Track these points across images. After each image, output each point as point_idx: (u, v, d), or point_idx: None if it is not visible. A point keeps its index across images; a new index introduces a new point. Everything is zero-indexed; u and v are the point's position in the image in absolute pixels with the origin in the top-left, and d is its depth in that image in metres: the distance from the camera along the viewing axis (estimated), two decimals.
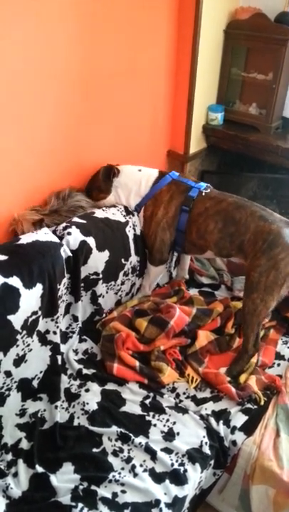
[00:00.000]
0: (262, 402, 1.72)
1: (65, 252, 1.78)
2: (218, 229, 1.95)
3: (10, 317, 1.54)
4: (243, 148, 2.67)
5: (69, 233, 1.81)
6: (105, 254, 1.93)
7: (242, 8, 2.51)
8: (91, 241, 1.87)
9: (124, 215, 2.07)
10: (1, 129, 1.71)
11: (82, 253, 1.83)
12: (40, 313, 1.67)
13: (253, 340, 1.85)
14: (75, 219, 1.90)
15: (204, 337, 1.93)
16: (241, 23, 2.50)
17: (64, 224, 1.86)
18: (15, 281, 1.57)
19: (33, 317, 1.64)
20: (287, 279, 1.80)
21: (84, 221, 1.91)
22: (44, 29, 1.71)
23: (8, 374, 1.61)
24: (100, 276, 1.94)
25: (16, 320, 1.57)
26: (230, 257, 2.03)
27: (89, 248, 1.86)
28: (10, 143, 1.77)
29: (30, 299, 1.61)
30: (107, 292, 2.02)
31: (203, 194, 2.00)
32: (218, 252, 2.02)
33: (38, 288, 1.64)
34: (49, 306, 1.71)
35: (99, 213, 2.00)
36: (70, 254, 1.80)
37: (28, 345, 1.66)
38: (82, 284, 1.90)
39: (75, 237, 1.82)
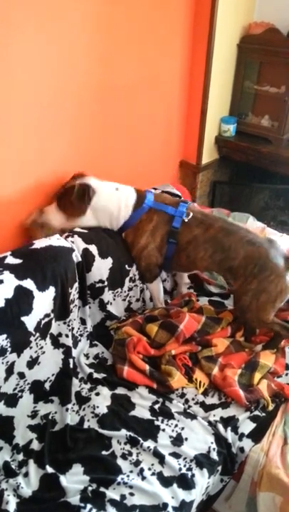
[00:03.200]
0: (270, 407, 1.73)
1: (76, 257, 1.82)
2: (208, 255, 1.98)
3: (24, 318, 1.59)
4: (254, 159, 2.71)
5: (72, 242, 1.86)
6: (108, 261, 1.96)
7: (255, 23, 2.57)
8: (93, 248, 1.91)
9: None
10: (20, 139, 1.77)
11: (85, 260, 1.88)
12: (52, 315, 1.71)
13: (278, 327, 1.93)
14: (77, 229, 1.95)
15: (222, 345, 1.95)
16: (254, 37, 2.55)
17: (66, 233, 1.90)
18: (29, 284, 1.62)
19: (46, 319, 1.68)
20: (279, 296, 1.88)
21: (85, 230, 1.95)
22: (64, 43, 1.78)
23: (21, 375, 1.65)
24: (106, 283, 1.97)
25: (30, 321, 1.61)
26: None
27: (92, 255, 1.90)
28: (30, 154, 1.83)
29: (43, 301, 1.65)
30: (114, 299, 2.05)
31: (186, 221, 1.97)
32: (206, 271, 2.07)
33: (51, 291, 1.68)
34: (61, 309, 1.75)
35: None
36: (81, 259, 1.85)
37: (41, 347, 1.70)
38: (89, 292, 1.94)
39: (78, 245, 1.87)
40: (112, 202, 1.97)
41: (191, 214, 1.98)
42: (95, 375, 1.83)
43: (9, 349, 1.57)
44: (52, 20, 1.69)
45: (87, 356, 1.93)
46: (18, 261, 1.65)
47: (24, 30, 1.61)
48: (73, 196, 1.88)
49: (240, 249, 1.91)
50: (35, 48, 1.68)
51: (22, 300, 1.59)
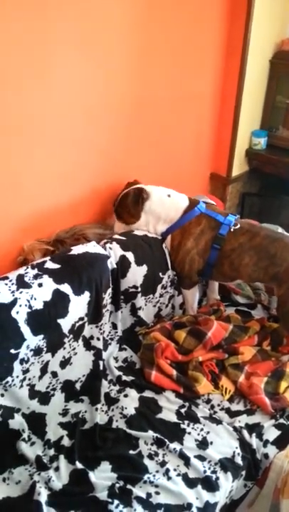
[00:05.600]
0: None
1: (111, 264, 1.90)
2: (253, 263, 2.02)
3: (60, 321, 1.68)
4: (285, 172, 2.75)
5: (110, 248, 1.94)
6: (143, 269, 2.03)
7: (288, 40, 2.62)
8: (130, 256, 1.98)
9: None
10: (59, 152, 1.88)
11: (121, 267, 1.95)
12: (86, 319, 1.79)
13: None
14: (116, 236, 2.03)
15: (248, 353, 1.99)
16: (287, 53, 2.60)
17: (105, 240, 1.99)
18: (66, 288, 1.71)
19: (80, 322, 1.77)
20: None
21: (124, 238, 2.03)
22: (105, 63, 1.89)
23: (54, 375, 1.73)
24: (139, 289, 2.03)
25: (65, 324, 1.70)
26: (259, 282, 2.13)
27: (128, 262, 1.98)
28: (67, 165, 1.95)
29: (79, 305, 1.74)
30: (145, 305, 2.11)
31: (233, 230, 2.03)
32: (249, 280, 2.12)
33: (86, 295, 1.76)
34: (94, 313, 1.83)
35: (138, 231, 2.12)
36: (115, 266, 1.93)
37: (74, 348, 1.78)
38: (122, 297, 2.01)
39: (115, 252, 1.95)
40: (164, 206, 2.06)
41: (239, 225, 2.04)
42: (124, 378, 1.90)
43: (45, 349, 1.66)
44: (94, 43, 1.82)
45: (116, 359, 2.00)
46: (56, 266, 1.74)
47: (69, 52, 1.74)
48: (128, 200, 2.03)
49: (286, 256, 1.96)
50: (79, 69, 1.80)
51: (59, 303, 1.68)
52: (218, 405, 1.84)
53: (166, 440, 1.65)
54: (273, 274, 2.00)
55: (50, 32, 1.64)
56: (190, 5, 2.14)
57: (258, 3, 2.33)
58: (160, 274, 2.11)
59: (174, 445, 1.64)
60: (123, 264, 1.95)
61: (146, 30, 2.00)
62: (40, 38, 1.62)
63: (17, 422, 1.61)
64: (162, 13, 2.03)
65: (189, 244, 2.06)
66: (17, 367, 1.59)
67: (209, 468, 1.59)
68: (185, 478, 1.55)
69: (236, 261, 2.04)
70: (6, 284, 1.63)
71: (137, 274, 2.01)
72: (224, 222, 2.04)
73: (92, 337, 1.86)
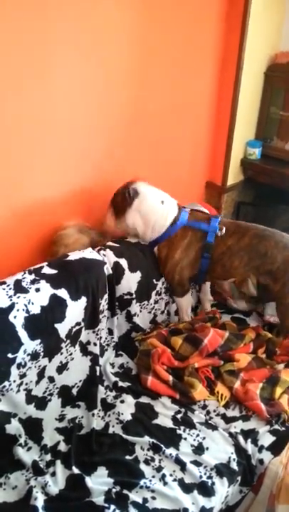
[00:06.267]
0: None
1: (107, 269, 1.92)
2: (245, 263, 2.04)
3: (57, 325, 1.69)
4: (279, 181, 2.79)
5: (104, 255, 1.96)
6: (137, 275, 2.05)
7: (282, 53, 2.68)
8: (124, 262, 2.00)
9: None
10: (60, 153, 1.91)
11: (115, 273, 1.97)
12: (83, 324, 1.80)
13: None
14: (109, 243, 2.05)
15: (244, 360, 2.00)
16: (281, 66, 2.66)
17: (98, 247, 2.00)
18: (63, 293, 1.72)
19: (77, 327, 1.78)
20: None
21: (117, 244, 2.05)
22: (102, 70, 1.92)
23: (51, 380, 1.74)
24: (134, 296, 2.05)
25: (62, 329, 1.71)
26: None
27: (122, 269, 1.99)
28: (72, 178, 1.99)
29: (75, 310, 1.75)
30: (141, 311, 2.12)
31: (219, 236, 2.03)
32: (242, 279, 2.12)
33: (83, 300, 1.78)
34: (91, 318, 1.84)
35: (131, 238, 2.14)
36: (112, 272, 1.94)
37: (71, 354, 1.79)
38: (117, 304, 2.03)
39: (108, 259, 1.96)
40: (156, 212, 2.02)
41: (224, 228, 2.03)
42: (120, 384, 1.90)
43: (42, 354, 1.67)
44: (96, 50, 1.86)
45: (112, 365, 2.01)
46: (53, 271, 1.76)
47: (69, 53, 1.78)
48: (117, 194, 2.00)
49: (277, 255, 1.98)
50: (79, 77, 1.85)
51: (56, 308, 1.70)
52: (214, 411, 1.85)
53: (162, 446, 1.66)
54: (266, 272, 2.03)
55: (50, 32, 1.67)
56: (186, 20, 2.20)
57: (252, 18, 2.38)
58: (154, 280, 2.13)
59: (170, 450, 1.65)
60: (117, 271, 1.98)
61: (146, 45, 2.06)
62: (41, 38, 1.65)
63: (14, 427, 1.62)
64: (160, 26, 2.08)
65: (177, 256, 2.06)
66: (14, 371, 1.59)
67: (205, 474, 1.59)
68: (181, 483, 1.56)
69: (228, 263, 2.06)
70: (4, 289, 1.65)
71: (131, 281, 2.03)
72: (209, 229, 2.04)
73: (88, 342, 1.87)
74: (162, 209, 2.04)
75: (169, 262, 2.08)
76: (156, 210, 2.03)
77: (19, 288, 1.66)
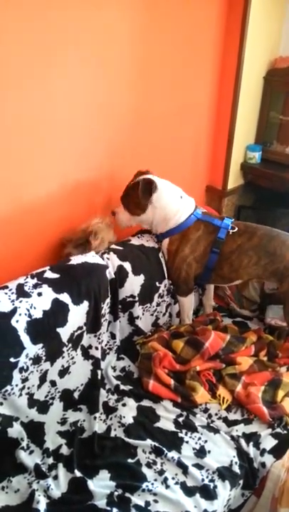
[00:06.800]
0: None
1: (109, 273, 1.93)
2: (253, 262, 2.06)
3: (59, 330, 1.70)
4: (279, 185, 2.80)
5: (107, 258, 1.97)
6: (140, 278, 2.06)
7: (281, 58, 2.70)
8: (127, 265, 2.01)
9: (156, 242, 2.20)
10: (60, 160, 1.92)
11: (119, 276, 1.98)
12: (84, 328, 1.81)
13: None
14: (113, 246, 2.07)
15: (245, 363, 2.01)
16: (280, 71, 2.68)
17: (102, 250, 2.01)
18: (65, 298, 1.73)
19: (79, 332, 1.79)
20: None
21: (121, 248, 2.07)
22: (102, 73, 1.94)
23: (53, 383, 1.74)
24: (136, 298, 2.06)
25: (64, 333, 1.72)
26: (258, 279, 2.17)
27: (125, 272, 2.00)
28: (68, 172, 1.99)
29: (77, 314, 1.76)
30: (143, 314, 2.13)
31: (231, 233, 2.07)
32: (249, 279, 2.15)
33: (85, 305, 1.79)
34: (93, 322, 1.85)
35: (134, 241, 2.16)
36: (114, 276, 1.95)
37: (72, 357, 1.80)
38: (120, 306, 2.04)
39: (112, 262, 1.97)
40: (173, 207, 2.06)
41: (236, 228, 2.07)
42: (122, 387, 1.91)
43: (44, 358, 1.68)
44: (96, 51, 1.87)
45: (114, 369, 2.01)
46: (55, 275, 1.77)
47: (72, 61, 1.80)
48: (139, 190, 1.98)
49: (285, 252, 2.00)
50: (79, 79, 1.86)
51: (58, 312, 1.70)
52: (216, 414, 1.85)
53: (164, 449, 1.66)
54: (272, 271, 2.04)
55: (50, 33, 1.67)
56: (186, 25, 2.22)
57: (252, 23, 2.40)
58: (157, 283, 2.14)
59: (172, 454, 1.65)
60: (120, 274, 1.98)
61: (146, 50, 2.08)
62: (42, 39, 1.66)
63: (16, 430, 1.62)
64: (160, 31, 2.10)
65: (187, 250, 2.09)
66: (16, 375, 1.60)
67: (207, 477, 1.60)
68: (183, 486, 1.56)
69: (236, 262, 2.07)
70: (6, 294, 1.65)
71: (134, 284, 2.04)
72: (222, 225, 2.08)
73: (90, 346, 1.87)
74: (180, 204, 2.08)
75: (178, 255, 2.10)
76: (174, 205, 2.06)
77: (21, 292, 1.67)
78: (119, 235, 2.17)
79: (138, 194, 1.99)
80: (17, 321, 1.60)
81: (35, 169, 1.85)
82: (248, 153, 2.88)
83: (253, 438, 1.74)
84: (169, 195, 2.06)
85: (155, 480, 1.57)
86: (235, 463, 1.65)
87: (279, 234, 2.07)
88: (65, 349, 1.75)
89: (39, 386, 1.70)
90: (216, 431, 1.76)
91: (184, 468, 1.61)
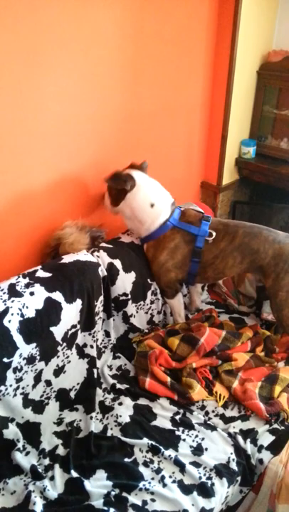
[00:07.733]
0: None
1: (102, 271, 1.92)
2: (238, 261, 2.04)
3: (52, 328, 1.68)
4: (274, 180, 2.78)
5: (97, 256, 1.96)
6: (132, 275, 2.05)
7: (274, 52, 2.68)
8: (117, 263, 2.00)
9: None
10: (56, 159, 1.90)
11: (110, 274, 1.96)
12: (78, 326, 1.80)
13: None
14: (103, 244, 2.05)
15: (242, 359, 2.00)
16: (273, 65, 2.65)
17: (92, 249, 2.00)
18: (57, 296, 1.72)
19: (73, 330, 1.77)
20: None
21: (111, 245, 2.05)
22: (95, 75, 1.92)
23: (48, 383, 1.73)
24: (129, 296, 2.05)
25: (58, 332, 1.70)
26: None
27: (116, 269, 1.99)
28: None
29: (71, 312, 1.75)
30: (137, 312, 2.12)
31: (210, 242, 2.01)
32: (234, 276, 2.12)
33: (78, 303, 1.77)
34: (87, 320, 1.84)
35: (124, 238, 2.15)
36: (106, 273, 1.94)
37: (68, 356, 1.78)
38: (113, 305, 2.02)
39: (102, 260, 1.96)
40: (144, 212, 2.00)
41: (214, 234, 2.01)
42: (118, 386, 1.90)
43: (38, 357, 1.66)
44: (88, 50, 1.85)
45: (110, 367, 2.00)
46: (47, 274, 1.75)
47: (64, 58, 1.78)
48: (114, 181, 1.97)
49: (268, 249, 1.98)
50: (72, 78, 1.84)
51: (51, 311, 1.69)
52: (213, 411, 1.84)
53: (161, 447, 1.65)
54: (256, 268, 2.03)
55: (42, 32, 1.66)
56: (178, 19, 2.19)
57: (244, 16, 2.38)
58: (148, 280, 2.12)
59: (169, 452, 1.64)
60: (111, 272, 1.97)
61: (137, 46, 2.05)
62: (36, 38, 1.65)
63: (11, 431, 1.61)
64: (152, 26, 2.08)
65: (162, 257, 2.05)
66: (10, 376, 1.59)
67: (204, 475, 1.58)
68: (180, 484, 1.55)
69: (221, 265, 2.05)
70: None
71: (126, 281, 2.02)
72: (199, 233, 2.02)
73: (85, 345, 1.86)
74: (150, 211, 2.01)
75: (155, 262, 2.08)
76: (144, 212, 2.01)
77: (13, 292, 1.66)
78: (109, 231, 2.16)
79: (116, 186, 1.97)
80: (9, 321, 1.59)
81: (23, 167, 1.83)
82: (242, 148, 2.86)
83: (250, 434, 1.73)
84: (140, 200, 2.00)
85: (152, 479, 1.56)
86: (233, 460, 1.64)
87: (261, 230, 2.02)
88: (59, 348, 1.73)
89: (34, 386, 1.69)
90: (213, 428, 1.75)
91: (181, 467, 1.60)
